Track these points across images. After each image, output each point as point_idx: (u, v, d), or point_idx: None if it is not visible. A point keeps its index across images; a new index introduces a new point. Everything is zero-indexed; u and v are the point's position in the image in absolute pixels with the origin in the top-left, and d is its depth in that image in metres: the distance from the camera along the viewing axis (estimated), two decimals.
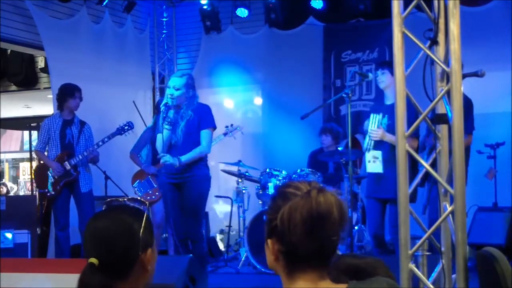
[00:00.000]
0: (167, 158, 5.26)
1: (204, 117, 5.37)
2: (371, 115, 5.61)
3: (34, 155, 8.09)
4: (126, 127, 6.67)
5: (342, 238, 1.69)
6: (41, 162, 6.70)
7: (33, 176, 7.43)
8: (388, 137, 5.40)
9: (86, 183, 6.55)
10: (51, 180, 6.48)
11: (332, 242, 1.65)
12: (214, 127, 5.47)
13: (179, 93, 5.31)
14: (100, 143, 6.54)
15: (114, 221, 1.83)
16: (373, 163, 5.46)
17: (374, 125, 5.52)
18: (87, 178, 6.58)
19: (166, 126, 5.32)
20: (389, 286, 1.67)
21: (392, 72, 5.59)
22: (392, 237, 5.59)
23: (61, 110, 6.58)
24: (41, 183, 6.59)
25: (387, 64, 5.68)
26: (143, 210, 1.88)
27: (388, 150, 5.38)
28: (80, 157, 6.47)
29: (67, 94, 6.51)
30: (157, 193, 6.76)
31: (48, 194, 6.51)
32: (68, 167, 6.44)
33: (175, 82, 5.34)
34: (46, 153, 6.59)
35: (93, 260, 1.77)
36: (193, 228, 5.38)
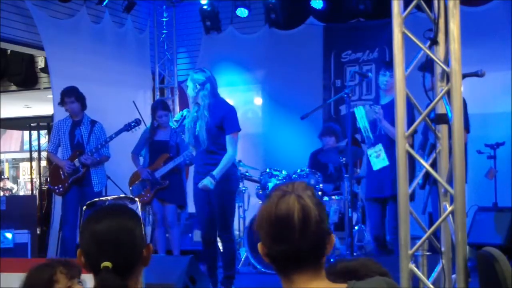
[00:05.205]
0: (205, 182, 5.17)
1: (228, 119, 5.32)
2: (359, 108, 5.64)
3: (34, 155, 8.12)
4: (133, 124, 6.75)
5: (327, 233, 1.67)
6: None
7: (38, 174, 7.43)
8: (384, 123, 5.40)
9: (99, 182, 6.63)
10: (62, 177, 6.57)
11: (303, 246, 1.62)
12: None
13: (188, 90, 5.43)
14: (108, 139, 6.62)
15: (118, 223, 1.84)
16: (378, 158, 5.45)
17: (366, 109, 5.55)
18: (100, 177, 6.64)
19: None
20: (389, 286, 1.68)
21: None
22: (391, 237, 5.59)
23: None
24: (53, 180, 6.72)
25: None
26: (132, 208, 1.92)
27: (386, 141, 5.40)
28: (89, 154, 6.53)
29: (59, 102, 6.63)
30: (148, 195, 6.76)
31: (57, 190, 6.62)
32: (77, 164, 6.51)
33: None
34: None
35: (107, 263, 1.78)
36: (222, 229, 5.34)
